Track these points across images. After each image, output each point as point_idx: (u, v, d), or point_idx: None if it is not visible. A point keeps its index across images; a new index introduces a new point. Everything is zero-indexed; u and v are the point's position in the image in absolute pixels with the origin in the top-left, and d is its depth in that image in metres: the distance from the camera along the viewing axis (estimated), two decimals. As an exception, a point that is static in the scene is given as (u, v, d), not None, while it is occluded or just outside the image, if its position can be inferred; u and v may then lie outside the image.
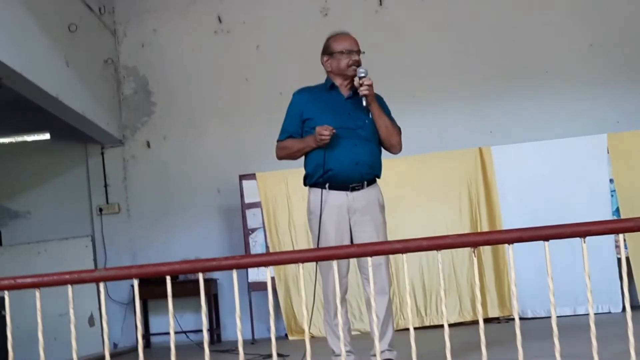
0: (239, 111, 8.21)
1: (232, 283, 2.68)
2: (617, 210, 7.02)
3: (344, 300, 3.97)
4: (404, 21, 8.15)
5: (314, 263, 3.94)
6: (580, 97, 7.82)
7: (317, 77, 4.32)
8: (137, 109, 8.40)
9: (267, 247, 7.33)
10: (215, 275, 7.82)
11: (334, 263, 2.66)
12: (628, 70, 7.82)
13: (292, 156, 4.16)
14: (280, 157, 4.23)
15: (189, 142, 8.26)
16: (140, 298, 7.53)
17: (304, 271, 2.39)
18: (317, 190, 4.03)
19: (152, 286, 7.00)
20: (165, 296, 2.43)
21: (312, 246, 6.33)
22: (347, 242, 3.95)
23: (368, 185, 4.06)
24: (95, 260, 8.14)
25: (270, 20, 8.31)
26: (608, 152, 7.13)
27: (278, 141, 4.18)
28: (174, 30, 8.41)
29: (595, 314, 6.99)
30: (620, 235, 2.09)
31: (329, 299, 3.94)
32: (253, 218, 7.45)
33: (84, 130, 7.74)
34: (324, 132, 3.89)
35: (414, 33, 8.14)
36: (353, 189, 4.01)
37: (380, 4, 8.21)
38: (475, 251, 2.62)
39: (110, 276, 2.63)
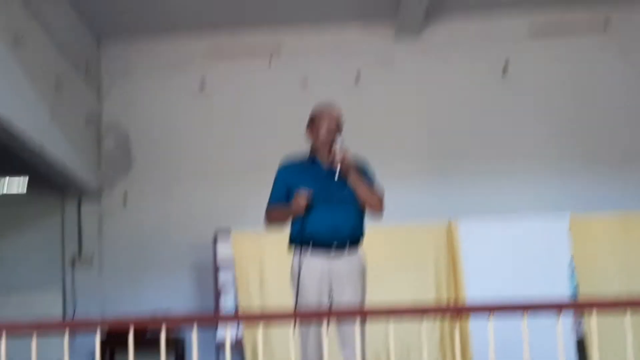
0: (218, 172, 8.42)
1: (199, 343, 2.68)
2: (576, 287, 7.29)
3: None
4: (378, 97, 8.50)
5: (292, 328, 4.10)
6: (545, 181, 8.25)
7: (294, 144, 4.72)
8: (117, 163, 8.56)
9: (236, 306, 7.43)
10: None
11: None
12: (589, 158, 8.31)
13: (278, 224, 4.40)
14: (268, 225, 4.46)
15: (166, 198, 8.42)
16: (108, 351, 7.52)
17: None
18: (298, 254, 4.24)
19: (119, 340, 7.02)
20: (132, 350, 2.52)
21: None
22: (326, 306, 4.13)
23: (350, 248, 4.27)
24: (64, 312, 8.13)
25: (252, 88, 8.59)
26: (569, 231, 7.41)
27: (266, 211, 4.42)
28: (158, 89, 8.64)
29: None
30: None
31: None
32: (225, 277, 7.58)
33: (61, 182, 7.85)
34: (300, 199, 4.16)
35: (387, 108, 8.49)
36: (334, 253, 4.22)
37: (356, 83, 8.53)
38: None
39: (75, 324, 2.80)
